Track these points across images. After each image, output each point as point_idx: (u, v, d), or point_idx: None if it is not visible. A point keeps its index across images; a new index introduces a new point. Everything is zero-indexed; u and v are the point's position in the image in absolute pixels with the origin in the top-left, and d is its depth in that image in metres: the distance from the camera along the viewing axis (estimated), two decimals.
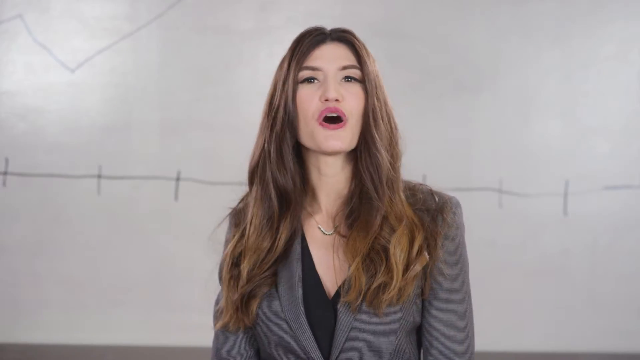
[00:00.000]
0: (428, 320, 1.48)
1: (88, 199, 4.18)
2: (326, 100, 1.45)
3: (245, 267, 1.47)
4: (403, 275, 1.42)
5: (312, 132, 1.46)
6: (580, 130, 4.10)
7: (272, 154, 1.48)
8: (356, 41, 1.51)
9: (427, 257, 1.45)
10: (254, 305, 1.47)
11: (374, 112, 1.47)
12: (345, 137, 1.46)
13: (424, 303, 1.49)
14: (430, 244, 1.47)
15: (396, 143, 1.51)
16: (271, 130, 1.48)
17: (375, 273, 1.42)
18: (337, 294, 1.45)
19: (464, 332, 1.49)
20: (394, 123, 1.52)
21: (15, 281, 4.18)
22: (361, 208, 1.48)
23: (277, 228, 1.48)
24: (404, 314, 1.45)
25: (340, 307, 1.43)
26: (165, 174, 4.18)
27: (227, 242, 1.57)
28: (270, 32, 4.13)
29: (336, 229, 1.51)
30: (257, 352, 1.56)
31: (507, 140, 4.11)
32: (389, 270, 1.42)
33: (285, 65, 1.49)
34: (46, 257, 4.17)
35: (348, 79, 1.48)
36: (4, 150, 4.19)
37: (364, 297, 1.42)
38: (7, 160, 4.20)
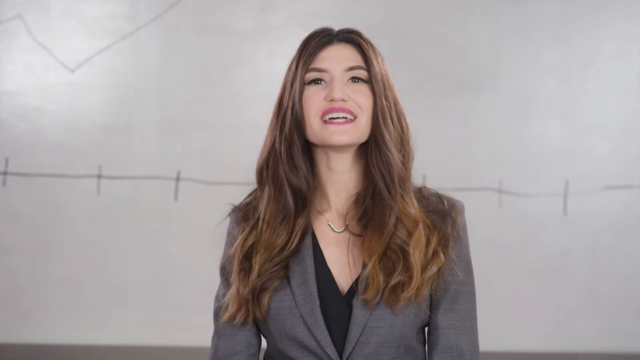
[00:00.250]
0: (435, 318, 1.50)
1: (88, 199, 4.18)
2: (331, 100, 1.46)
3: (257, 261, 1.48)
4: (421, 275, 1.44)
5: (316, 130, 1.47)
6: (580, 130, 4.10)
7: (283, 155, 1.49)
8: (363, 42, 1.51)
9: (443, 258, 1.47)
10: (265, 298, 1.47)
11: (382, 112, 1.48)
12: (352, 132, 1.46)
13: (432, 302, 1.50)
14: (443, 245, 1.49)
15: (407, 143, 1.52)
16: (280, 131, 1.49)
17: (393, 271, 1.44)
18: (351, 290, 1.46)
19: (471, 330, 1.52)
20: (405, 123, 1.53)
21: (15, 281, 4.18)
22: (375, 208, 1.48)
23: (293, 226, 1.49)
24: (417, 311, 1.46)
25: (355, 302, 1.44)
26: (165, 174, 4.19)
27: (229, 235, 1.57)
28: (270, 32, 4.13)
29: (347, 227, 1.51)
30: (258, 351, 1.56)
31: (507, 140, 4.11)
32: (407, 270, 1.44)
33: (293, 66, 1.50)
34: (46, 257, 4.17)
35: (355, 79, 1.49)
36: (4, 150, 4.19)
37: (381, 295, 1.43)
38: (7, 160, 4.20)
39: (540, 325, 4.10)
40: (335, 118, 1.46)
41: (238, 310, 1.49)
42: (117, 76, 4.19)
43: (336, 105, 1.46)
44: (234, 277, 1.50)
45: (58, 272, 4.16)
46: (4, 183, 4.20)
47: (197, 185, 4.15)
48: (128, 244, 4.17)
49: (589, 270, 4.10)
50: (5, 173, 4.20)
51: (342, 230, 1.52)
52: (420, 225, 1.47)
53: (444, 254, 1.48)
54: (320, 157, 1.52)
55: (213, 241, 1.61)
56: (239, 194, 1.61)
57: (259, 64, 4.13)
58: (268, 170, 1.51)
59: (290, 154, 1.49)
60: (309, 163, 1.52)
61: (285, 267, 1.48)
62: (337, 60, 1.49)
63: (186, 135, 4.17)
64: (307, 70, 1.48)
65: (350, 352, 1.44)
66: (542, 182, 4.11)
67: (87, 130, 4.18)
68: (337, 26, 1.56)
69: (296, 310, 1.46)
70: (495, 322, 4.05)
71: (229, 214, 1.59)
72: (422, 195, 1.53)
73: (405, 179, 1.50)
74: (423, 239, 1.46)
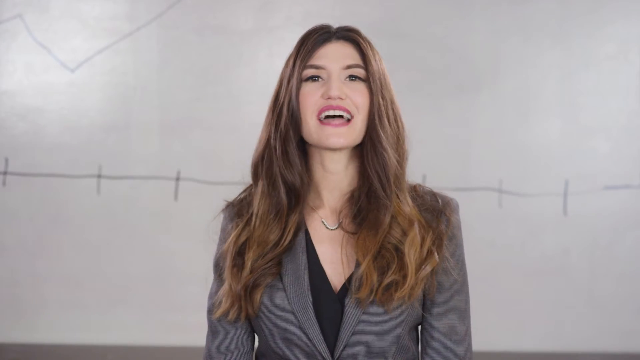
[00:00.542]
0: (429, 318, 1.50)
1: (88, 198, 4.18)
2: (328, 98, 1.46)
3: (250, 257, 1.48)
4: (415, 274, 1.44)
5: (313, 129, 1.47)
6: (580, 130, 4.10)
7: (278, 151, 1.49)
8: (361, 40, 1.51)
9: (437, 258, 1.47)
10: (257, 295, 1.47)
11: (379, 110, 1.48)
12: (348, 134, 1.47)
13: (426, 301, 1.50)
14: (437, 244, 1.48)
15: (403, 142, 1.52)
16: (276, 127, 1.49)
17: (387, 270, 1.44)
18: (343, 288, 1.47)
19: (465, 330, 1.52)
20: (401, 122, 1.52)
21: (15, 281, 4.18)
22: (369, 206, 1.48)
23: (286, 222, 1.49)
24: (410, 311, 1.46)
25: (347, 301, 1.44)
26: (165, 174, 4.18)
27: (223, 231, 1.57)
28: (270, 32, 4.13)
29: (340, 224, 1.51)
30: (252, 348, 1.56)
31: (507, 140, 4.11)
32: (401, 269, 1.44)
33: (291, 62, 1.50)
34: (46, 257, 4.17)
35: (352, 77, 1.49)
36: (4, 150, 4.19)
37: (374, 294, 1.43)
38: (7, 160, 4.20)
39: (540, 325, 4.10)
40: (332, 117, 1.46)
41: (231, 306, 1.49)
42: (117, 76, 4.19)
43: (333, 103, 1.46)
44: (226, 274, 1.50)
45: (58, 271, 4.16)
46: (3, 183, 4.20)
47: (197, 185, 4.14)
48: (128, 243, 4.17)
49: (589, 270, 4.10)
50: (5, 173, 4.20)
51: (335, 227, 1.52)
52: (416, 225, 1.47)
53: (438, 254, 1.47)
54: (315, 155, 1.52)
55: (207, 238, 1.61)
56: (238, 193, 1.61)
57: (259, 64, 4.13)
58: (263, 165, 1.51)
59: (285, 150, 1.49)
60: (303, 159, 1.52)
61: (278, 263, 1.48)
62: (335, 57, 1.49)
63: (186, 135, 4.16)
64: (304, 67, 1.48)
65: (342, 351, 1.44)
66: (542, 182, 4.11)
67: (87, 130, 4.18)
68: (337, 26, 1.56)
69: (288, 308, 1.45)
70: (495, 322, 4.05)
71: (223, 209, 1.59)
72: (417, 193, 1.53)
73: (400, 178, 1.49)
74: (418, 239, 1.46)
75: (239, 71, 4.16)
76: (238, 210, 1.56)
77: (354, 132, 1.47)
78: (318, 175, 1.53)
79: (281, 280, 1.47)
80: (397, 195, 1.48)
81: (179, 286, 4.11)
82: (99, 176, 4.19)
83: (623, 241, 4.09)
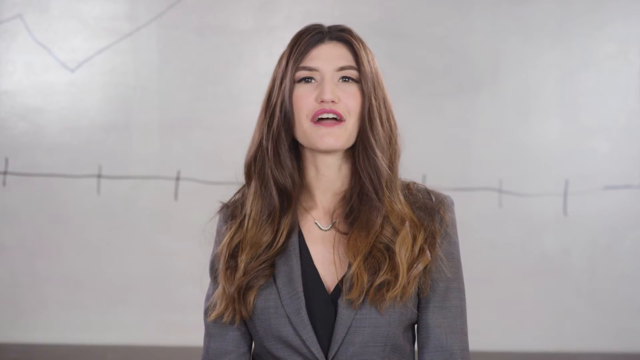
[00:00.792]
0: (425, 317, 1.49)
1: (88, 198, 4.18)
2: (322, 101, 1.46)
3: (242, 259, 1.48)
4: (407, 273, 1.44)
5: (306, 131, 1.47)
6: (580, 130, 4.10)
7: (270, 152, 1.49)
8: (354, 41, 1.50)
9: (429, 256, 1.46)
10: (251, 297, 1.47)
11: (370, 112, 1.48)
12: (340, 135, 1.46)
13: (421, 300, 1.50)
14: (429, 242, 1.48)
15: (395, 141, 1.51)
16: (268, 128, 1.49)
17: (378, 270, 1.44)
18: (337, 289, 1.46)
19: (461, 329, 1.51)
20: (394, 121, 1.52)
21: (15, 281, 4.18)
22: (361, 207, 1.48)
23: (278, 224, 1.49)
24: (403, 310, 1.46)
25: (340, 302, 1.44)
26: (165, 173, 4.19)
27: (218, 233, 1.58)
28: (270, 32, 4.13)
29: (334, 225, 1.51)
30: (250, 349, 1.56)
31: (507, 140, 4.11)
32: (393, 269, 1.44)
33: (284, 62, 1.50)
34: (46, 257, 4.17)
35: (345, 79, 1.48)
36: (4, 150, 4.19)
37: (366, 295, 1.43)
38: (7, 160, 4.20)
39: (540, 325, 4.10)
40: (324, 119, 1.46)
41: (225, 309, 1.49)
42: (117, 76, 4.19)
43: (326, 106, 1.46)
44: (220, 276, 1.50)
45: (58, 271, 4.16)
46: (3, 183, 4.20)
47: (197, 185, 4.15)
48: (128, 243, 4.17)
49: (589, 270, 4.10)
50: (5, 173, 4.20)
51: (328, 228, 1.52)
52: (407, 223, 1.47)
53: (431, 252, 1.47)
54: (308, 157, 1.52)
55: (203, 240, 1.61)
56: (233, 194, 1.61)
57: (259, 64, 4.13)
58: (255, 166, 1.51)
59: (277, 151, 1.49)
60: (295, 160, 1.52)
61: (271, 265, 1.48)
62: (328, 59, 1.48)
63: (186, 135, 4.17)
64: (297, 69, 1.48)
65: (336, 352, 1.44)
66: (542, 182, 4.11)
67: (87, 130, 4.18)
68: (329, 24, 1.55)
69: (282, 310, 1.46)
70: (495, 322, 4.05)
71: (218, 211, 1.59)
72: (410, 191, 1.53)
73: (392, 179, 1.49)
74: (409, 237, 1.46)
75: (239, 71, 4.16)
76: (232, 211, 1.56)
77: (346, 133, 1.47)
78: (311, 176, 1.52)
79: (274, 282, 1.47)
80: (389, 197, 1.48)
81: (179, 286, 4.11)
82: (99, 176, 4.19)
83: (623, 241, 4.09)
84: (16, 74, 4.20)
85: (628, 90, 4.10)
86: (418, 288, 1.48)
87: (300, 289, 1.46)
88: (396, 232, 1.46)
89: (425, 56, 4.12)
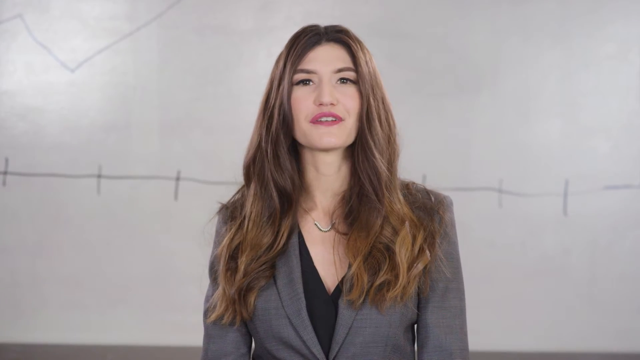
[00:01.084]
0: (424, 317, 1.49)
1: (88, 198, 4.18)
2: (320, 104, 1.46)
3: (243, 261, 1.48)
4: (407, 273, 1.44)
5: (306, 132, 1.47)
6: (580, 130, 4.10)
7: (269, 154, 1.49)
8: (351, 42, 1.50)
9: (429, 256, 1.46)
10: (251, 298, 1.47)
11: (369, 113, 1.47)
12: (339, 134, 1.46)
13: (421, 300, 1.50)
14: (429, 242, 1.48)
15: (394, 141, 1.51)
16: (267, 130, 1.49)
17: (379, 271, 1.44)
18: (337, 289, 1.46)
19: (460, 329, 1.51)
20: (393, 121, 1.52)
21: (15, 281, 4.18)
22: (360, 207, 1.48)
23: (279, 225, 1.49)
24: (404, 310, 1.46)
25: (341, 303, 1.44)
26: (165, 173, 4.18)
27: (217, 234, 1.57)
28: (270, 32, 4.13)
29: (333, 226, 1.51)
30: (249, 351, 1.56)
31: (507, 140, 4.11)
32: (393, 269, 1.44)
33: (281, 64, 1.50)
34: (46, 257, 4.17)
35: (343, 80, 1.48)
36: (4, 150, 4.19)
37: (366, 295, 1.43)
38: (7, 160, 4.20)
39: (540, 325, 4.10)
40: (324, 121, 1.46)
41: (225, 310, 1.49)
42: (117, 76, 4.19)
43: (325, 109, 1.45)
44: (220, 277, 1.50)
45: (58, 271, 4.16)
46: (4, 183, 4.20)
47: (197, 185, 4.14)
48: (128, 243, 4.17)
49: (589, 270, 4.10)
50: (5, 173, 4.20)
51: (328, 229, 1.52)
52: (407, 223, 1.47)
53: (430, 252, 1.47)
54: (307, 157, 1.51)
55: (203, 240, 1.61)
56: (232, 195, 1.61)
57: (259, 64, 4.13)
58: (254, 167, 1.51)
59: (276, 153, 1.49)
60: (295, 161, 1.52)
61: (272, 266, 1.48)
62: (325, 61, 1.48)
63: (186, 135, 4.17)
64: (295, 71, 1.47)
65: (337, 352, 1.44)
66: (542, 182, 4.11)
67: (87, 130, 4.18)
68: (326, 24, 1.55)
69: (282, 311, 1.46)
70: (495, 322, 4.05)
71: (218, 212, 1.59)
72: (409, 191, 1.53)
73: (392, 179, 1.49)
74: (409, 237, 1.46)
75: (239, 71, 4.16)
76: (231, 212, 1.56)
77: (346, 132, 1.47)
78: (310, 176, 1.52)
79: (275, 283, 1.47)
80: (388, 195, 1.48)
81: (179, 286, 4.11)
82: (99, 176, 4.19)
83: (623, 241, 4.09)
84: (16, 74, 4.20)
85: (628, 90, 4.10)
86: (418, 288, 1.48)
87: (300, 289, 1.46)
88: (396, 232, 1.46)
89: (425, 56, 4.12)
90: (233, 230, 1.52)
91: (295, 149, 1.53)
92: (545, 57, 4.10)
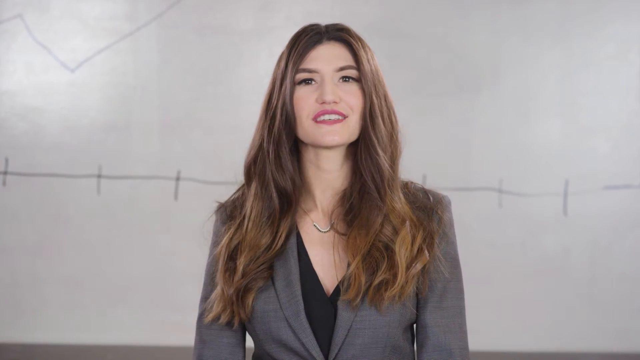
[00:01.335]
0: (423, 316, 1.49)
1: (88, 198, 4.18)
2: (323, 102, 1.45)
3: (241, 262, 1.47)
4: (405, 273, 1.44)
5: (308, 130, 1.47)
6: (580, 130, 4.10)
7: (271, 155, 1.48)
8: (353, 40, 1.50)
9: (427, 255, 1.46)
10: (249, 299, 1.46)
11: (372, 111, 1.47)
12: (343, 132, 1.46)
13: (419, 300, 1.50)
14: (428, 242, 1.48)
15: (396, 138, 1.51)
16: (269, 130, 1.49)
17: (377, 270, 1.43)
18: (336, 290, 1.46)
19: (459, 328, 1.51)
20: (395, 118, 1.52)
21: (15, 281, 4.18)
22: (361, 205, 1.48)
23: (278, 226, 1.49)
24: (403, 311, 1.46)
25: (340, 304, 1.44)
26: (165, 173, 4.18)
27: (215, 234, 1.57)
28: (270, 32, 4.13)
29: (332, 226, 1.51)
30: (244, 357, 1.55)
31: (507, 140, 4.11)
32: (392, 268, 1.43)
33: (283, 64, 1.49)
34: (46, 257, 4.17)
35: (345, 79, 1.48)
36: (4, 150, 4.19)
37: (365, 294, 1.43)
38: (7, 160, 4.20)
39: (540, 325, 4.10)
40: (327, 120, 1.46)
41: (223, 310, 1.48)
42: (117, 76, 4.19)
43: (328, 107, 1.45)
44: (219, 277, 1.50)
45: (58, 271, 4.16)
46: (4, 183, 4.20)
47: (197, 185, 4.14)
48: (128, 243, 4.17)
49: (589, 270, 4.10)
50: (5, 173, 4.20)
51: (327, 229, 1.51)
52: (407, 223, 1.46)
53: (429, 252, 1.47)
54: (309, 155, 1.51)
55: (202, 240, 1.61)
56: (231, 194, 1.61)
57: (259, 64, 4.13)
58: (256, 167, 1.50)
59: (278, 154, 1.48)
60: (296, 160, 1.52)
61: (270, 267, 1.47)
62: (327, 60, 1.48)
63: (186, 135, 4.16)
64: (297, 71, 1.47)
65: (336, 354, 1.44)
66: (542, 182, 4.11)
67: (87, 130, 4.18)
68: (326, 23, 1.55)
69: (281, 313, 1.45)
70: (495, 322, 4.05)
71: (215, 211, 1.58)
72: (408, 190, 1.53)
73: (394, 178, 1.49)
74: (409, 237, 1.45)
75: (239, 71, 4.16)
76: (231, 212, 1.56)
77: (349, 129, 1.47)
78: (311, 174, 1.52)
79: (273, 284, 1.47)
80: (390, 193, 1.48)
81: (179, 286, 4.11)
82: (99, 176, 4.19)
83: (623, 241, 4.09)
84: (16, 74, 4.20)
85: (628, 90, 4.10)
86: (417, 288, 1.48)
87: (298, 291, 1.45)
88: (396, 232, 1.46)
89: (426, 56, 4.12)
90: (232, 230, 1.52)
91: (297, 148, 1.52)
92: (545, 57, 4.10)
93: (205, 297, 1.55)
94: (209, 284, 1.55)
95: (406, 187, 1.53)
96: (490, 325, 4.00)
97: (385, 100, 1.50)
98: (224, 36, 4.16)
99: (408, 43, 4.10)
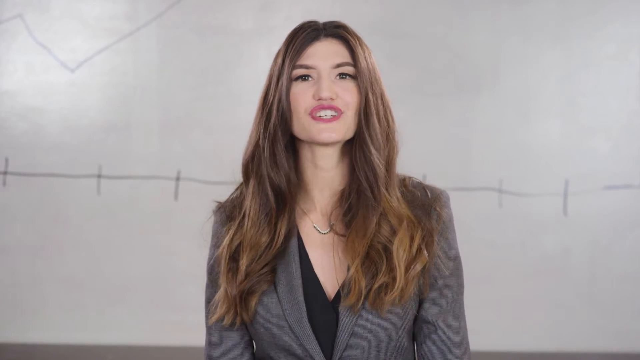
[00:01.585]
0: (422, 312, 1.49)
1: (88, 198, 4.18)
2: (319, 99, 1.45)
3: (244, 262, 1.47)
4: (405, 275, 1.43)
5: (305, 126, 1.46)
6: (580, 130, 4.10)
7: (266, 152, 1.48)
8: (350, 37, 1.49)
9: (427, 256, 1.46)
10: (252, 301, 1.46)
11: (367, 108, 1.46)
12: (339, 129, 1.45)
13: (421, 301, 1.49)
14: (427, 241, 1.47)
15: (393, 137, 1.50)
16: (265, 127, 1.48)
17: (377, 273, 1.42)
18: (338, 294, 1.45)
19: (457, 323, 1.50)
20: (391, 117, 1.51)
21: (15, 281, 4.18)
22: (359, 205, 1.47)
23: (275, 224, 1.48)
24: (405, 312, 1.45)
25: (341, 309, 1.43)
26: (165, 173, 4.18)
27: (214, 236, 1.56)
28: (270, 32, 4.13)
29: (332, 227, 1.50)
30: (253, 358, 1.55)
31: (507, 140, 4.11)
32: (391, 270, 1.42)
33: (279, 61, 1.49)
34: (46, 257, 4.17)
35: (342, 76, 1.47)
36: (4, 150, 4.19)
37: (365, 299, 1.42)
38: (7, 160, 4.20)
39: (540, 325, 4.10)
40: (323, 117, 1.46)
41: (226, 311, 1.48)
42: (117, 76, 4.19)
43: (324, 103, 1.44)
44: (222, 278, 1.49)
45: (58, 271, 4.16)
46: (4, 183, 4.20)
47: (197, 185, 4.14)
48: (128, 243, 4.17)
49: (589, 270, 4.10)
50: (5, 173, 4.20)
51: (327, 231, 1.51)
52: (405, 223, 1.45)
53: (429, 250, 1.46)
54: (306, 153, 1.50)
55: (202, 240, 1.60)
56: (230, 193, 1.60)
57: (259, 64, 4.13)
58: (253, 165, 1.50)
59: (273, 151, 1.47)
60: (293, 160, 1.51)
61: (272, 270, 1.47)
62: (324, 56, 1.47)
63: (186, 135, 4.17)
64: (294, 67, 1.46)
65: (339, 358, 1.44)
66: (542, 182, 4.11)
67: (87, 130, 4.18)
68: (331, 20, 1.54)
69: (283, 319, 1.45)
70: (495, 322, 4.05)
71: (214, 211, 1.58)
72: (406, 188, 1.51)
73: (390, 177, 1.48)
74: (407, 238, 1.44)
75: (239, 71, 4.16)
76: (230, 212, 1.55)
77: (345, 126, 1.46)
78: (308, 173, 1.51)
79: (275, 289, 1.46)
80: (386, 192, 1.47)
81: (179, 286, 4.11)
82: (99, 176, 4.19)
83: (623, 241, 4.09)
84: (16, 74, 4.20)
85: (628, 90, 4.10)
86: (418, 290, 1.47)
87: (301, 297, 1.45)
88: (394, 232, 1.45)
89: (426, 56, 4.12)
90: (232, 230, 1.51)
91: (294, 148, 1.51)
92: (545, 57, 4.10)
93: (208, 299, 1.55)
94: (212, 286, 1.54)
95: (404, 183, 1.52)
96: (490, 325, 4.00)
97: (382, 99, 1.49)
98: (224, 36, 4.16)
99: (408, 43, 4.10)
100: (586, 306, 4.09)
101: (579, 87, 4.10)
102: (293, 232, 1.49)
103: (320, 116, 1.45)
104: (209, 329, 1.55)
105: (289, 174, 1.49)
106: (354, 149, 1.48)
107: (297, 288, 1.45)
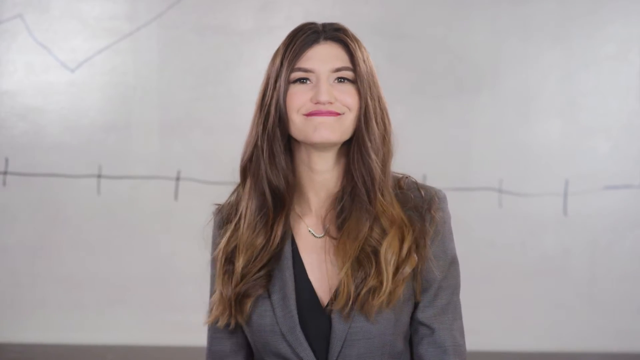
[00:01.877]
0: (417, 315, 1.47)
1: (88, 198, 4.18)
2: (317, 102, 1.43)
3: (240, 263, 1.46)
4: (393, 278, 1.41)
5: (299, 125, 1.44)
6: (580, 130, 4.10)
7: (265, 152, 1.47)
8: (349, 40, 1.48)
9: (416, 258, 1.44)
10: (247, 305, 1.45)
11: (367, 112, 1.45)
12: (335, 128, 1.44)
13: (416, 303, 1.48)
14: (419, 244, 1.45)
15: (389, 140, 1.49)
16: (263, 128, 1.47)
17: (365, 277, 1.41)
18: (331, 300, 1.44)
19: (452, 324, 1.48)
20: (388, 120, 1.49)
21: (15, 281, 4.18)
22: (352, 207, 1.46)
23: (272, 226, 1.47)
24: (397, 317, 1.44)
25: (334, 316, 1.42)
26: (165, 174, 4.18)
27: (213, 238, 1.56)
28: (270, 32, 4.13)
29: (327, 231, 1.49)
30: (252, 354, 1.56)
31: (507, 140, 4.11)
32: (379, 274, 1.41)
33: (278, 62, 1.48)
34: (46, 257, 4.17)
35: (341, 80, 1.46)
36: (4, 150, 4.19)
37: (354, 303, 1.41)
38: (7, 160, 4.20)
39: (540, 325, 4.10)
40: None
41: (221, 313, 1.47)
42: (117, 76, 4.19)
43: (322, 108, 1.43)
44: (217, 281, 1.49)
45: (57, 271, 4.16)
46: (4, 183, 4.20)
47: (197, 185, 4.14)
48: (128, 243, 4.17)
49: (589, 270, 4.10)
50: (5, 173, 4.20)
51: (322, 235, 1.49)
52: (395, 227, 1.44)
53: (421, 253, 1.44)
54: (302, 156, 1.49)
55: (202, 241, 1.60)
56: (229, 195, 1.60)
57: (259, 64, 4.07)
58: (251, 166, 1.49)
59: (272, 152, 1.46)
60: (290, 162, 1.49)
61: (268, 274, 1.46)
62: (323, 60, 1.45)
63: (186, 135, 4.17)
64: (292, 70, 1.46)
65: None
66: (542, 182, 4.11)
67: (87, 130, 4.18)
68: (323, 22, 1.53)
69: (277, 327, 1.44)
70: (495, 322, 4.05)
71: (213, 213, 1.57)
72: (401, 188, 1.50)
73: (385, 181, 1.46)
74: (397, 241, 1.43)
75: (239, 71, 4.16)
76: (227, 215, 1.54)
77: (343, 126, 1.45)
78: (304, 176, 1.50)
79: (269, 296, 1.46)
80: (380, 197, 1.45)
81: (178, 286, 4.11)
82: (99, 176, 4.19)
83: (623, 241, 4.09)
84: (16, 74, 4.20)
85: (628, 90, 4.10)
86: (412, 292, 1.46)
87: (293, 306, 1.44)
88: (385, 233, 1.44)
89: (426, 56, 4.12)
90: (229, 233, 1.51)
91: (291, 150, 1.50)
92: (545, 57, 4.10)
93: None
94: (213, 287, 1.55)
95: (399, 184, 1.51)
96: (490, 325, 4.00)
97: (379, 102, 1.48)
98: (224, 36, 4.16)
99: (408, 43, 4.10)
100: (586, 306, 4.09)
101: (579, 87, 4.10)
102: (288, 236, 1.48)
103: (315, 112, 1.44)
104: (209, 329, 1.56)
105: (287, 175, 1.48)
106: (352, 151, 1.46)
107: (289, 296, 1.44)
